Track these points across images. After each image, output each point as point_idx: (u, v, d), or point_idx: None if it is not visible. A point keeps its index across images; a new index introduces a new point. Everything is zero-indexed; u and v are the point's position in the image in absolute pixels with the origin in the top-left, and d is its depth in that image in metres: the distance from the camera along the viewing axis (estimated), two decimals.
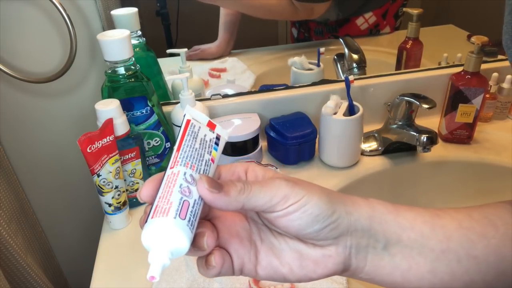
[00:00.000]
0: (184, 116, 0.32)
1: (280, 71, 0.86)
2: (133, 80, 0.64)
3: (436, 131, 0.75)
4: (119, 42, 0.59)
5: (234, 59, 0.88)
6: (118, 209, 0.63)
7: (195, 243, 0.28)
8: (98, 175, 0.59)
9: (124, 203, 0.64)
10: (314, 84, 0.81)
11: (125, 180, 0.65)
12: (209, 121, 0.33)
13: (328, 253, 0.30)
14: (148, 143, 0.70)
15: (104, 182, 0.60)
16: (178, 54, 0.78)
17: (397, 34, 0.89)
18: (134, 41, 0.69)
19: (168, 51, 0.80)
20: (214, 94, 0.79)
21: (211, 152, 0.31)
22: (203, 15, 0.84)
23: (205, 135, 0.32)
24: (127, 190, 0.66)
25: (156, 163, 0.72)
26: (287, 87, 0.81)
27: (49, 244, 0.90)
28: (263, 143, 0.78)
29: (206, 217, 0.31)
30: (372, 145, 0.77)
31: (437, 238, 0.30)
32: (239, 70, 0.87)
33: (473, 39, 0.70)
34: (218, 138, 0.33)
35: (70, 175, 0.84)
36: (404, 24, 0.86)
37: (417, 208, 0.32)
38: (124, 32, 0.60)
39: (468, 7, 0.92)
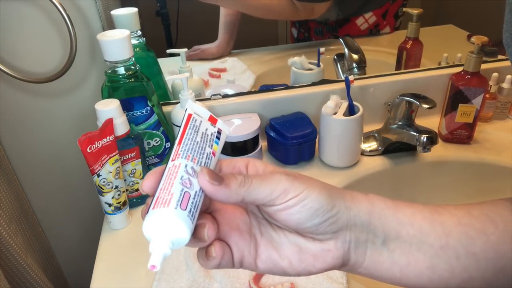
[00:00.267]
0: (185, 110, 0.32)
1: (280, 71, 0.86)
2: (133, 80, 0.64)
3: (436, 131, 0.75)
4: (119, 42, 0.59)
5: (234, 59, 0.88)
6: (118, 209, 0.63)
7: (196, 234, 0.28)
8: (98, 175, 0.59)
9: (124, 203, 0.64)
10: (314, 84, 0.81)
11: (125, 180, 0.65)
12: (211, 115, 0.33)
13: (327, 247, 0.30)
14: (148, 143, 0.70)
15: (104, 182, 0.60)
16: (178, 54, 0.78)
17: (397, 34, 0.89)
18: (134, 41, 0.69)
19: (168, 51, 0.80)
20: (214, 94, 0.79)
21: (212, 145, 0.32)
22: (203, 15, 0.84)
23: (206, 129, 0.32)
24: (127, 190, 0.66)
25: (156, 163, 0.72)
26: (287, 87, 0.81)
27: (49, 244, 0.90)
28: (263, 143, 0.78)
29: (207, 210, 0.32)
30: (372, 145, 0.77)
31: (436, 234, 0.31)
32: (239, 70, 0.87)
33: (473, 39, 0.70)
34: (219, 132, 0.33)
35: (70, 175, 0.84)
36: (404, 24, 0.86)
37: (417, 204, 0.32)
38: (124, 32, 0.60)
39: (468, 7, 0.92)
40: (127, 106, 0.64)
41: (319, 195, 0.29)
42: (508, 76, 0.80)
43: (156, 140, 0.70)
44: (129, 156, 0.64)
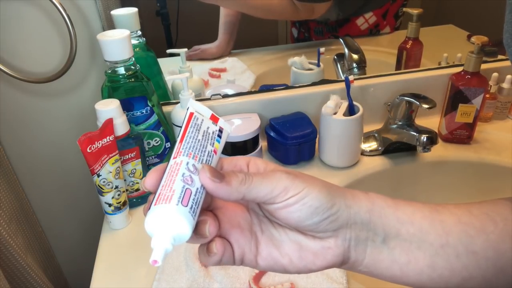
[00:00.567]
0: (187, 109, 0.32)
1: (280, 71, 0.86)
2: (133, 80, 0.64)
3: (436, 131, 0.75)
4: (119, 42, 0.59)
5: (234, 59, 0.88)
6: (118, 209, 0.63)
7: (197, 230, 0.29)
8: (98, 175, 0.59)
9: (124, 203, 0.64)
10: (314, 84, 0.81)
11: (125, 180, 0.65)
12: (212, 114, 0.33)
13: (327, 245, 0.30)
14: (148, 143, 0.70)
15: (104, 182, 0.60)
16: (178, 54, 0.78)
17: (397, 34, 0.89)
18: (134, 41, 0.69)
19: (168, 51, 0.80)
20: (214, 94, 0.79)
21: (213, 143, 0.32)
22: (203, 15, 0.84)
23: (208, 128, 0.32)
24: (127, 190, 0.66)
25: (156, 163, 0.72)
26: (287, 87, 0.81)
27: (49, 244, 0.90)
28: (263, 143, 0.78)
29: (208, 208, 0.32)
30: (372, 145, 0.77)
31: (436, 232, 0.31)
32: (239, 70, 0.87)
33: (473, 39, 0.70)
34: (221, 130, 0.33)
35: (70, 175, 0.84)
36: (404, 24, 0.86)
37: (417, 203, 0.32)
38: (124, 32, 0.60)
39: (468, 7, 0.92)
40: (127, 106, 0.64)
41: (319, 193, 0.29)
42: (508, 76, 0.80)
43: (156, 140, 0.70)
44: (129, 156, 0.64)
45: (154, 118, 0.68)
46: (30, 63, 0.70)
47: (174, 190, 0.27)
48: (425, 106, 0.65)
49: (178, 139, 0.30)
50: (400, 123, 0.72)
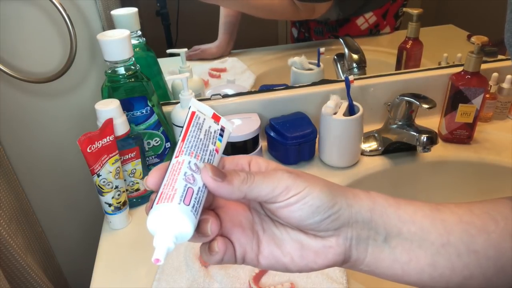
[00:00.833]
0: (189, 108, 0.32)
1: (280, 71, 0.86)
2: (133, 80, 0.64)
3: (436, 131, 0.75)
4: (119, 42, 0.59)
5: (234, 59, 0.88)
6: (118, 209, 0.63)
7: (199, 229, 0.29)
8: (98, 175, 0.59)
9: (124, 203, 0.64)
10: (314, 84, 0.81)
11: (125, 180, 0.65)
12: (214, 113, 0.34)
13: (328, 244, 0.30)
14: (148, 143, 0.70)
15: (104, 182, 0.60)
16: (178, 54, 0.78)
17: (397, 34, 0.89)
18: (134, 41, 0.69)
19: (168, 51, 0.80)
20: (214, 94, 0.79)
21: (215, 143, 0.32)
22: (203, 15, 0.84)
23: (209, 127, 0.32)
24: (127, 190, 0.66)
25: (156, 163, 0.72)
26: (287, 87, 0.81)
27: (49, 244, 0.90)
28: (263, 143, 0.78)
29: (210, 207, 0.32)
30: (372, 145, 0.77)
31: (437, 232, 0.31)
32: (239, 70, 0.87)
33: (473, 39, 0.70)
34: (222, 130, 0.33)
35: (70, 175, 0.84)
36: (404, 24, 0.86)
37: (418, 202, 0.32)
38: (124, 32, 0.60)
39: (468, 7, 0.92)
40: (127, 106, 0.64)
41: (320, 192, 0.29)
42: (508, 76, 0.80)
43: (156, 140, 0.70)
44: (129, 156, 0.64)
45: (154, 118, 0.68)
46: (30, 63, 0.70)
47: (176, 189, 0.27)
48: (425, 106, 0.65)
49: (180, 138, 0.31)
50: (400, 123, 0.72)
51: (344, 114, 0.70)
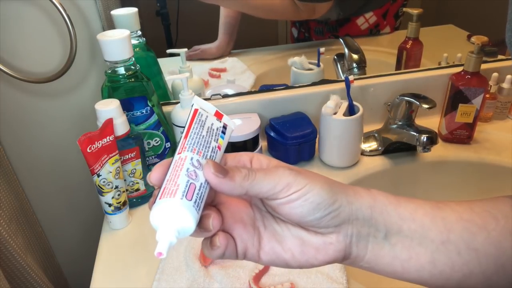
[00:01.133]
0: (192, 105, 0.33)
1: (280, 71, 0.86)
2: (133, 80, 0.64)
3: (436, 131, 0.75)
4: (119, 42, 0.59)
5: (234, 59, 0.88)
6: (118, 209, 0.63)
7: (201, 224, 0.29)
8: (98, 175, 0.59)
9: (124, 203, 0.64)
10: (314, 84, 0.81)
11: (125, 180, 0.65)
12: (217, 111, 0.34)
13: (329, 240, 0.31)
14: (148, 143, 0.70)
15: (104, 182, 0.60)
16: (178, 54, 0.78)
17: (397, 34, 0.89)
18: (134, 41, 0.69)
19: (168, 51, 0.80)
20: (214, 94, 0.79)
21: (217, 140, 0.32)
22: (203, 15, 0.84)
23: (212, 124, 0.33)
24: (127, 190, 0.66)
25: (156, 163, 0.72)
26: (287, 87, 0.81)
27: (49, 244, 0.90)
28: (263, 143, 0.78)
29: (212, 203, 0.32)
30: (372, 145, 0.77)
31: (438, 229, 0.31)
32: (239, 70, 0.87)
33: (473, 39, 0.70)
34: (225, 127, 0.34)
35: (70, 175, 0.84)
36: (404, 24, 0.86)
37: (418, 200, 0.33)
38: (124, 32, 0.60)
39: (468, 7, 0.92)
40: (127, 106, 0.64)
41: (321, 189, 0.29)
42: (508, 76, 0.80)
43: (156, 140, 0.70)
44: (129, 156, 0.64)
45: (154, 118, 0.68)
46: (30, 63, 0.70)
47: (179, 184, 0.28)
48: (425, 106, 0.65)
49: (183, 135, 0.31)
50: (400, 123, 0.72)
51: (344, 114, 0.70)
